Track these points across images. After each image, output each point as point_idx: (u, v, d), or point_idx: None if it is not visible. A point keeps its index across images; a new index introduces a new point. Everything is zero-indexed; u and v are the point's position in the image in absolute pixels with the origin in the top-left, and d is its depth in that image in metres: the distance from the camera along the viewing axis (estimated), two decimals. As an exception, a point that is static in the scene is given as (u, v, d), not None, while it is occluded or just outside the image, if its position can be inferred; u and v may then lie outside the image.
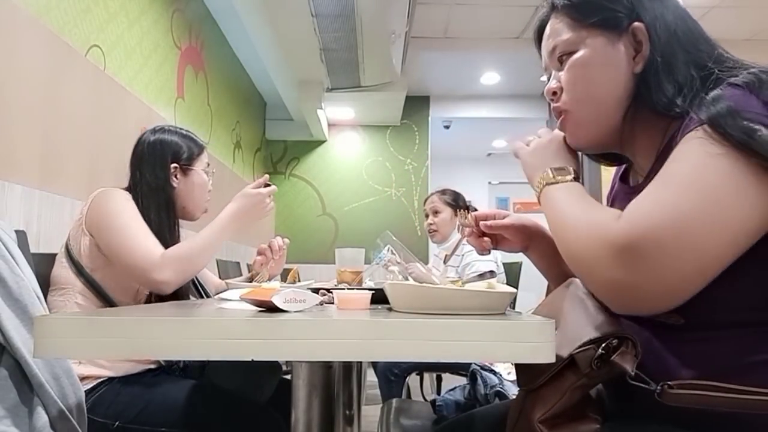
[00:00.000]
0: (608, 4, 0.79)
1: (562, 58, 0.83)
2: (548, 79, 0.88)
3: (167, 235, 1.36)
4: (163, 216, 1.37)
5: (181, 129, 1.52)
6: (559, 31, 0.84)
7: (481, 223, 0.98)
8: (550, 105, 0.89)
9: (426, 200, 2.73)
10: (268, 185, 1.44)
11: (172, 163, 1.43)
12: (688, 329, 0.69)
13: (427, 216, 2.68)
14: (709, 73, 0.72)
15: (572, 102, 0.83)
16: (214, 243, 1.34)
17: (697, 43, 0.76)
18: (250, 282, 1.54)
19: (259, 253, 1.63)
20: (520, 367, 0.77)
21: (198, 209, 1.50)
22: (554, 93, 0.85)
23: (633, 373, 0.64)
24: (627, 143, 0.83)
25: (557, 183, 0.81)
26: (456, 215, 2.60)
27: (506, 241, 1.00)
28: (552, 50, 0.85)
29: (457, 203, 2.63)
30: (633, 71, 0.77)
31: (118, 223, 1.28)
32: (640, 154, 0.82)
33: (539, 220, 0.98)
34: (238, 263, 3.31)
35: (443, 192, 2.68)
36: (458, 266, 2.49)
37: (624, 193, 0.87)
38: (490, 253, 1.02)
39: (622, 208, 0.70)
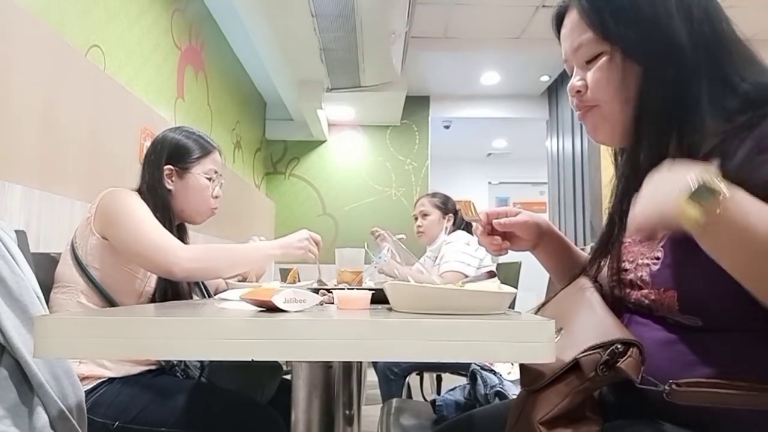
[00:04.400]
0: (631, 25, 0.77)
1: (586, 58, 0.82)
2: (570, 73, 0.87)
3: None
4: (159, 217, 1.37)
5: (191, 130, 1.50)
6: (584, 28, 0.81)
7: (494, 221, 0.95)
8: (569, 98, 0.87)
9: (416, 203, 2.76)
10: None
11: (167, 164, 1.42)
12: (704, 330, 0.69)
13: (416, 219, 2.71)
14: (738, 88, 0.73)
15: (601, 100, 0.81)
16: (241, 255, 1.38)
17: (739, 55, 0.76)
18: (243, 282, 1.55)
19: None
20: (523, 367, 0.77)
21: (198, 213, 1.48)
22: (578, 91, 0.84)
23: (638, 380, 0.64)
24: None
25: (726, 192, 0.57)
26: (444, 218, 2.64)
27: (517, 239, 0.97)
28: (577, 47, 0.83)
29: (447, 207, 2.66)
30: None
31: (132, 215, 1.28)
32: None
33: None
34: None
35: (433, 195, 2.72)
36: (435, 257, 2.56)
37: None
38: (507, 253, 1.00)
39: None
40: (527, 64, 5.01)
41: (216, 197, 1.49)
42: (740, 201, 0.57)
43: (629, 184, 0.81)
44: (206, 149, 1.48)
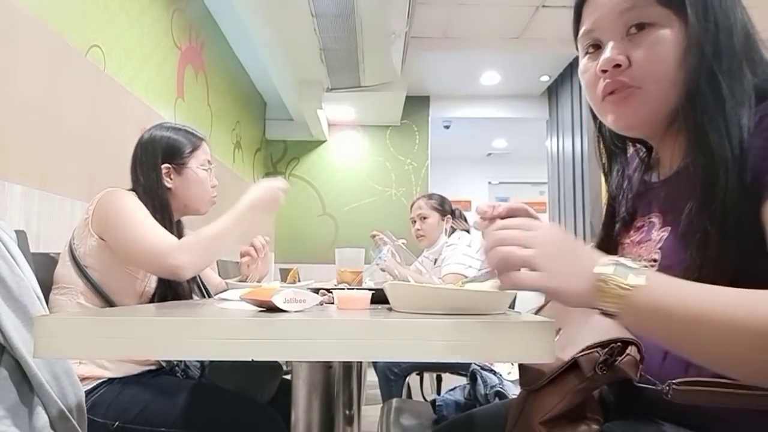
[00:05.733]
0: None
1: (633, 26, 0.73)
2: (587, 50, 0.79)
3: None
4: (158, 218, 1.37)
5: (177, 125, 1.50)
6: None
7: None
8: (583, 78, 0.80)
9: (412, 206, 2.74)
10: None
11: (164, 163, 1.42)
12: None
13: (414, 222, 2.69)
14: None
15: (649, 81, 0.73)
16: (230, 230, 1.34)
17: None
18: (244, 282, 1.54)
19: (243, 255, 1.63)
20: (523, 367, 0.77)
21: (202, 205, 1.49)
22: (618, 65, 0.74)
23: (637, 378, 0.64)
24: (660, 133, 0.78)
25: (645, 283, 0.58)
26: (443, 220, 2.63)
27: None
28: (627, 9, 0.73)
29: (444, 208, 2.65)
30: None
31: (129, 216, 1.28)
32: (667, 148, 0.79)
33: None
34: (238, 263, 3.31)
35: (430, 197, 2.70)
36: (435, 258, 2.55)
37: (645, 188, 0.84)
38: None
39: (643, 204, 0.76)
40: (527, 64, 5.01)
41: (213, 186, 1.51)
42: (652, 290, 0.58)
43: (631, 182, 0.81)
44: (196, 141, 1.49)
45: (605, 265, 0.59)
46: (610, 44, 0.75)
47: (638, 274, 0.58)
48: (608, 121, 0.80)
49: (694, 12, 0.71)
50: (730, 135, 0.67)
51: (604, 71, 0.75)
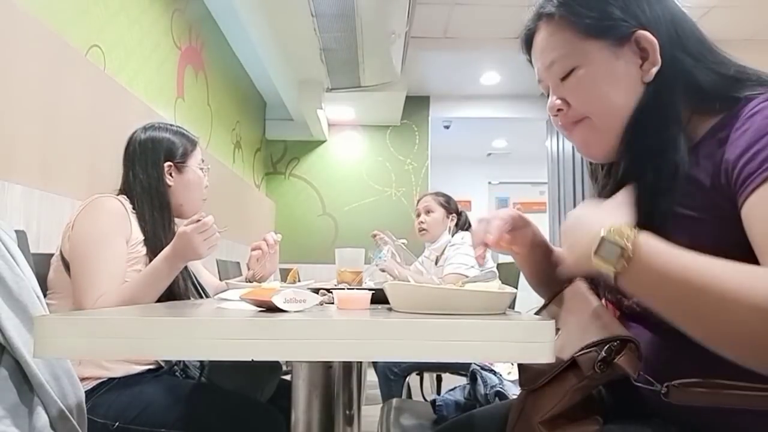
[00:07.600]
0: (608, 12, 0.75)
1: (560, 75, 0.80)
2: (546, 93, 0.85)
3: (162, 235, 1.36)
4: (157, 216, 1.37)
5: (172, 126, 1.51)
6: (554, 44, 0.80)
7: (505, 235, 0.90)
8: (549, 117, 0.85)
9: (419, 200, 2.76)
10: (199, 220, 1.25)
11: (166, 161, 1.43)
12: None
13: (418, 215, 2.70)
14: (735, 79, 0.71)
15: (589, 112, 0.79)
16: (148, 288, 1.25)
17: (702, 46, 0.75)
18: (248, 282, 1.54)
19: (254, 249, 1.62)
20: (522, 367, 0.77)
21: (195, 206, 1.49)
22: (559, 109, 0.81)
23: (636, 376, 0.64)
24: None
25: (638, 246, 0.61)
26: (447, 217, 2.64)
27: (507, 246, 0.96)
28: (549, 65, 0.81)
29: (450, 206, 2.66)
30: (643, 80, 0.75)
31: (83, 250, 1.26)
32: None
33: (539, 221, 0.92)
34: (238, 263, 3.31)
35: (437, 194, 2.73)
36: (437, 257, 2.56)
37: None
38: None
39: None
40: (527, 64, 4.98)
41: (206, 187, 1.52)
42: (650, 252, 0.60)
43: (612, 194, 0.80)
44: (193, 141, 1.51)
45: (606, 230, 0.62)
46: (551, 91, 0.83)
47: (635, 238, 0.61)
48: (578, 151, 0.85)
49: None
50: (666, 159, 0.70)
51: (555, 114, 0.82)
